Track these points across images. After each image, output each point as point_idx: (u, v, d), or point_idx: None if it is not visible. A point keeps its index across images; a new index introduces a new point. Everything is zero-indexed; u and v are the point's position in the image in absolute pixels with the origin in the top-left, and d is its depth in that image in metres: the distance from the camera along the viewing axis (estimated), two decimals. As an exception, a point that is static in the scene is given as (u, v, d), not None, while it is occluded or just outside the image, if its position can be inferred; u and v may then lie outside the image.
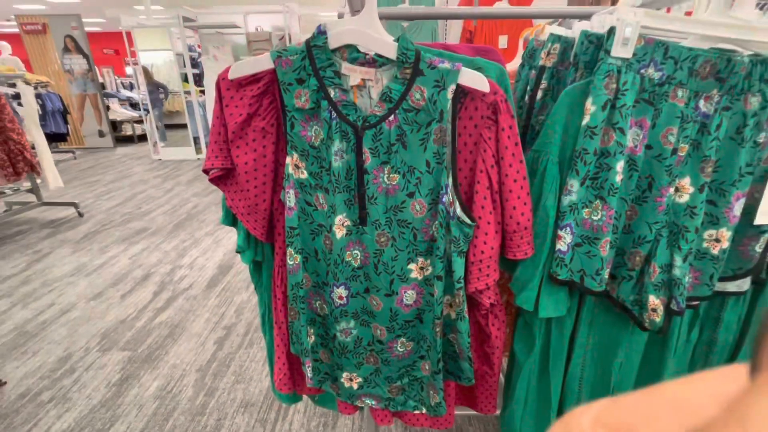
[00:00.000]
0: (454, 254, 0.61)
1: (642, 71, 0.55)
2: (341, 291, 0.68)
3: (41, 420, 1.50)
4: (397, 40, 0.54)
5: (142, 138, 6.90)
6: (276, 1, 4.92)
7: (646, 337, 0.71)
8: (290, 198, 0.64)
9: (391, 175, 0.60)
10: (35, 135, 3.22)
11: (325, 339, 0.74)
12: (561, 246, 0.60)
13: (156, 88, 5.98)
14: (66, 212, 3.66)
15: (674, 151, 0.57)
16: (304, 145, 0.62)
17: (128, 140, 7.08)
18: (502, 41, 2.60)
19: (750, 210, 0.61)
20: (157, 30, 5.73)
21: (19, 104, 3.20)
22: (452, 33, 2.83)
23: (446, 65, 0.53)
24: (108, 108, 6.72)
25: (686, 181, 0.59)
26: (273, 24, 5.13)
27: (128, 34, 5.66)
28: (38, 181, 3.44)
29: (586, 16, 0.71)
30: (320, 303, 0.72)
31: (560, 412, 0.78)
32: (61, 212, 3.67)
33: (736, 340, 0.72)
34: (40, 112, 3.91)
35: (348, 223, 0.65)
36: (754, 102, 0.55)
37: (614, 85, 0.55)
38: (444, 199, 0.59)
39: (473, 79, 0.54)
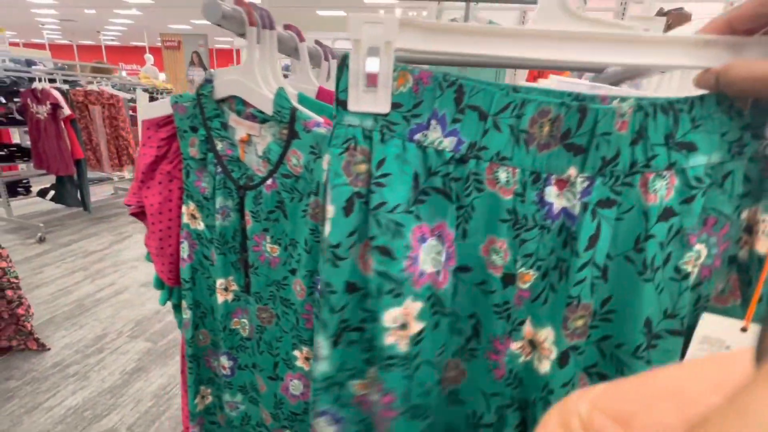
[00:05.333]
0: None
1: (417, 137, 0.29)
2: (224, 360, 0.60)
3: (60, 392, 1.67)
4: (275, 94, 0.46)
5: (238, 143, 7.72)
6: (364, 28, 5.16)
7: None
8: (184, 249, 0.59)
9: (271, 245, 0.51)
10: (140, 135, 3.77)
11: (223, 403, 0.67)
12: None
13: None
14: (154, 202, 4.20)
15: (509, 279, 0.31)
16: (199, 195, 0.56)
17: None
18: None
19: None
20: (265, 50, 6.44)
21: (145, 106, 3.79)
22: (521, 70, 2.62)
23: (321, 130, 0.43)
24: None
25: (546, 335, 0.30)
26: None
27: (238, 51, 6.46)
28: (138, 172, 4.01)
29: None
30: (218, 364, 0.65)
31: None
32: (151, 201, 4.22)
33: None
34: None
35: (235, 287, 0.57)
36: (662, 188, 0.27)
37: (364, 166, 0.30)
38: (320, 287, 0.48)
39: (355, 149, 0.43)
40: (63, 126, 2.96)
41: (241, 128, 0.50)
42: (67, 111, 2.95)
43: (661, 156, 0.27)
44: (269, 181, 0.48)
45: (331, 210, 0.30)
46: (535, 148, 0.28)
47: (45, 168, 3.10)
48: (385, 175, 0.29)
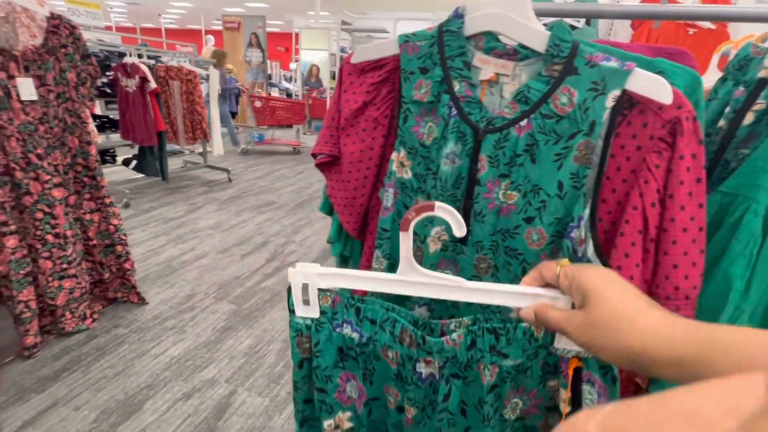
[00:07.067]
0: (572, 306, 0.48)
1: (338, 330, 0.48)
2: (422, 311, 0.60)
3: (162, 342, 1.79)
4: (551, 28, 0.43)
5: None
6: (427, 9, 5.06)
7: None
8: (388, 197, 0.59)
9: (508, 192, 0.50)
10: (212, 110, 3.92)
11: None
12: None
13: (305, 85, 6.77)
14: (220, 176, 4.39)
15: (400, 410, 0.50)
16: (414, 142, 0.55)
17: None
18: (682, 60, 2.13)
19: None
20: (320, 32, 6.48)
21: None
22: (616, 47, 2.45)
23: (612, 63, 0.40)
24: (269, 95, 7.84)
25: None
26: (420, 30, 5.29)
27: (296, 34, 6.54)
28: (207, 147, 4.19)
29: None
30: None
31: None
32: (217, 175, 4.42)
33: None
34: (220, 92, 4.78)
35: (445, 237, 0.56)
36: (488, 374, 0.45)
37: (308, 345, 0.49)
38: (573, 234, 0.46)
39: (649, 85, 0.40)
40: (149, 99, 3.13)
41: (487, 67, 0.48)
42: (153, 84, 3.10)
43: (487, 357, 0.44)
44: (523, 123, 0.46)
45: (293, 364, 0.52)
46: (405, 345, 0.46)
47: (131, 138, 3.30)
48: (319, 351, 0.49)
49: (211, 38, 8.06)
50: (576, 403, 0.43)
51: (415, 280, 0.44)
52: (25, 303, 1.54)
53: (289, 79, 9.24)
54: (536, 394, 0.46)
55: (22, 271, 1.52)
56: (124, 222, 2.98)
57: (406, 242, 0.43)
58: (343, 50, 6.19)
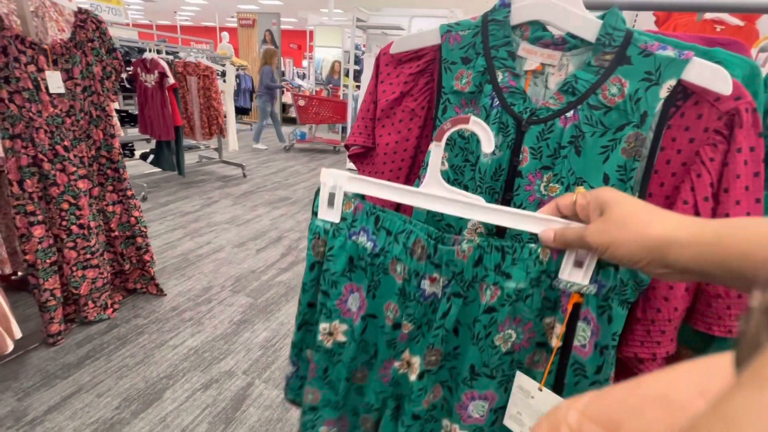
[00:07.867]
0: (614, 301, 0.47)
1: (353, 238, 0.49)
2: (456, 304, 0.60)
3: (180, 333, 1.82)
4: (603, 16, 0.42)
5: (303, 121, 7.90)
6: (442, 6, 5.03)
7: None
8: (424, 189, 0.58)
9: (550, 185, 0.49)
10: (228, 106, 3.96)
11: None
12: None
13: (328, 82, 6.79)
14: (235, 171, 4.43)
15: (396, 326, 0.51)
16: (453, 133, 0.55)
17: (292, 121, 8.20)
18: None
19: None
20: (335, 29, 6.49)
21: (224, 81, 3.98)
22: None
23: (669, 52, 0.39)
24: (282, 92, 7.88)
25: (415, 360, 0.51)
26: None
27: (311, 32, 6.55)
28: (223, 142, 4.23)
29: None
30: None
31: None
32: (232, 170, 4.46)
33: None
34: (236, 89, 4.82)
35: (482, 230, 0.56)
36: (488, 295, 0.45)
37: (322, 249, 0.50)
38: (618, 228, 0.45)
39: (707, 75, 0.39)
40: (167, 94, 3.17)
41: (533, 57, 0.47)
42: (171, 80, 3.14)
43: (490, 276, 0.45)
44: (569, 114, 0.46)
45: (306, 265, 0.53)
46: (416, 258, 0.47)
47: (149, 133, 3.35)
48: (332, 255, 0.49)
49: (225, 35, 8.14)
50: (568, 339, 0.43)
51: (436, 194, 0.45)
52: (50, 291, 1.57)
53: (302, 77, 9.27)
54: (531, 328, 0.46)
55: (48, 260, 1.56)
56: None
57: (436, 153, 0.43)
58: (357, 47, 6.18)
